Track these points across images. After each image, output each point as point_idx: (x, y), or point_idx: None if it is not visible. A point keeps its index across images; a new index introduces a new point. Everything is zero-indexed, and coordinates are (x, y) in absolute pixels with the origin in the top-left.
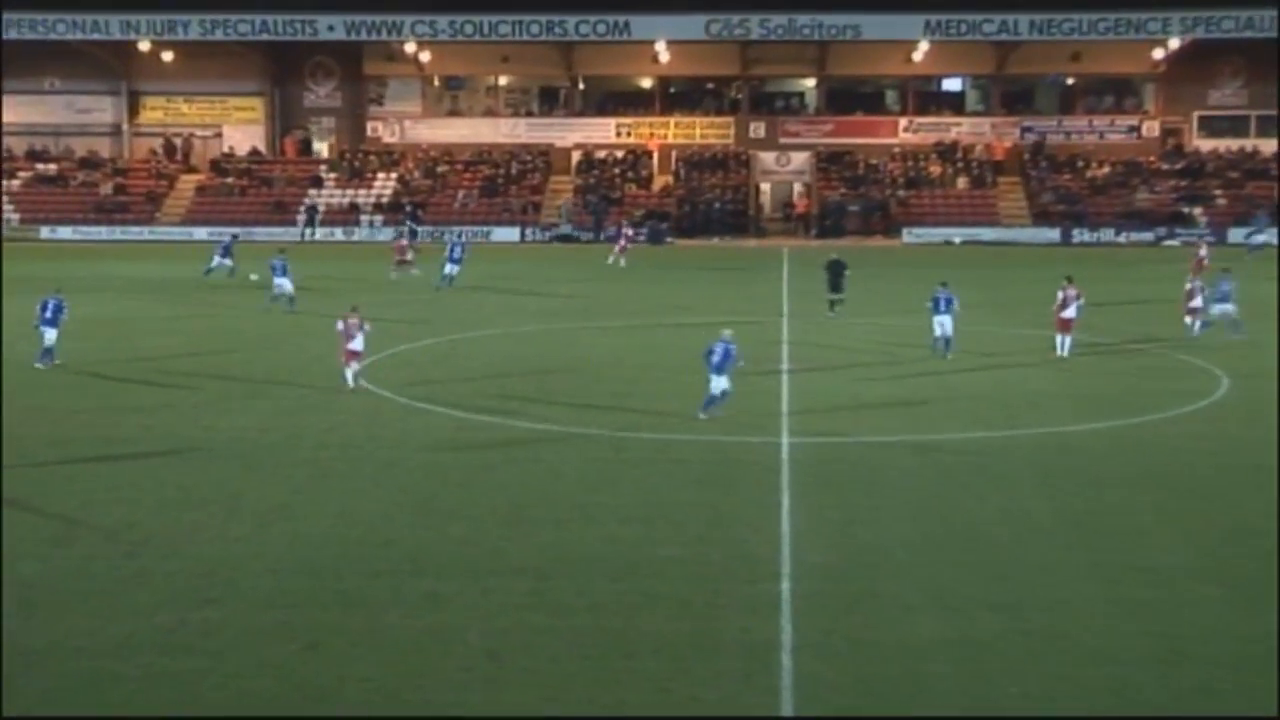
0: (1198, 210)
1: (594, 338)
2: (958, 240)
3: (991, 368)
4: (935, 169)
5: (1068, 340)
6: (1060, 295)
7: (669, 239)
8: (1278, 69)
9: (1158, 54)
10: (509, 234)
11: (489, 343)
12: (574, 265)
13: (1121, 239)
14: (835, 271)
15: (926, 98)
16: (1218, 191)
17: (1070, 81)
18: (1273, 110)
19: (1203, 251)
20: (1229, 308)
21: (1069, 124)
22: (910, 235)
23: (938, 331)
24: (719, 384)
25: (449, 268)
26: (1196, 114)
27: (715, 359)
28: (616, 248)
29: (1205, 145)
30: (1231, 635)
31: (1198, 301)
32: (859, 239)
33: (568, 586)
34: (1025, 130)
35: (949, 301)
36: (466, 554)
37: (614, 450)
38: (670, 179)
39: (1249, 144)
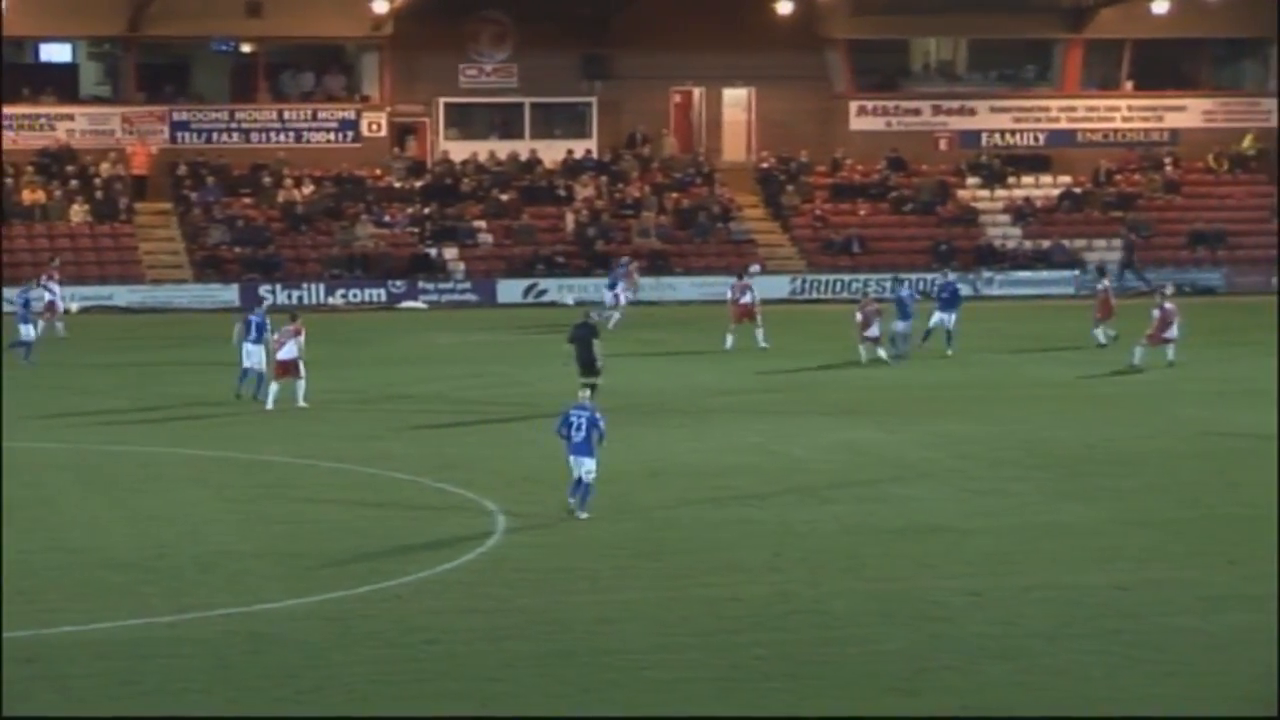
0: (451, 253)
1: None
2: (75, 306)
3: (139, 513)
4: (35, 192)
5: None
6: None
7: None
8: None
9: (380, 6)
10: None
11: None
12: None
13: (338, 299)
14: (583, 342)
15: (18, 74)
16: (479, 223)
17: (247, 49)
18: (573, 97)
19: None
20: (904, 326)
21: (246, 118)
22: None
23: None
24: (587, 466)
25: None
26: (443, 101)
27: (578, 435)
28: None
29: (459, 150)
30: None
31: (873, 330)
32: None
33: None
34: (178, 128)
35: None
36: None
37: None
38: None
39: (524, 148)
